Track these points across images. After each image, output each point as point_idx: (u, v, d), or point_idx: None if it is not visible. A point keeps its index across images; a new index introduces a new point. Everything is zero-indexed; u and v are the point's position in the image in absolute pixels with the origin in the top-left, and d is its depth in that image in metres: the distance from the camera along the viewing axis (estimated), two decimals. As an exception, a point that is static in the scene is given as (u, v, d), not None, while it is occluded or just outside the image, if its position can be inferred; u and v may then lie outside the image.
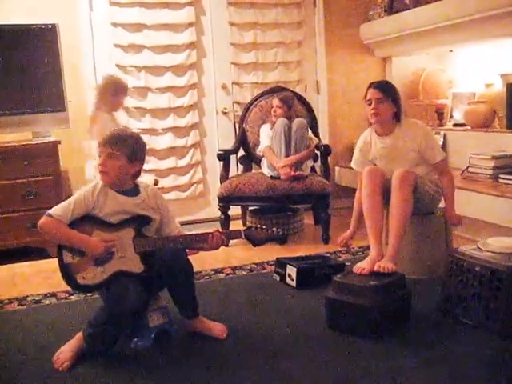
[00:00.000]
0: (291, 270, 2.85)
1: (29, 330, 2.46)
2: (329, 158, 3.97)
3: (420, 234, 2.86)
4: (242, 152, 4.25)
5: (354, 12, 4.77)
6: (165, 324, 2.28)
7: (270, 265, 3.21)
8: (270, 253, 3.36)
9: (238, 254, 3.55)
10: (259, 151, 3.96)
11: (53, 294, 2.92)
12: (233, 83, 4.52)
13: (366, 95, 2.82)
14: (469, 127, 3.99)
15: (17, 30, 3.66)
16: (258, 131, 4.04)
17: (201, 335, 2.27)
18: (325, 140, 4.46)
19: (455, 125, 4.21)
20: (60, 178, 3.72)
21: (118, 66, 4.20)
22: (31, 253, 3.65)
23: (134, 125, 4.20)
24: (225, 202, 3.71)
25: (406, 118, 2.90)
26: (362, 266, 2.42)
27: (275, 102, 3.93)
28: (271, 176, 3.72)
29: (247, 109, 4.27)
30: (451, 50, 4.52)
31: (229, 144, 4.27)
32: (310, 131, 3.88)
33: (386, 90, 2.80)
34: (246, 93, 4.52)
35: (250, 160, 4.24)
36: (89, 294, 2.75)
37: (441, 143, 4.08)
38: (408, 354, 2.05)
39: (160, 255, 2.19)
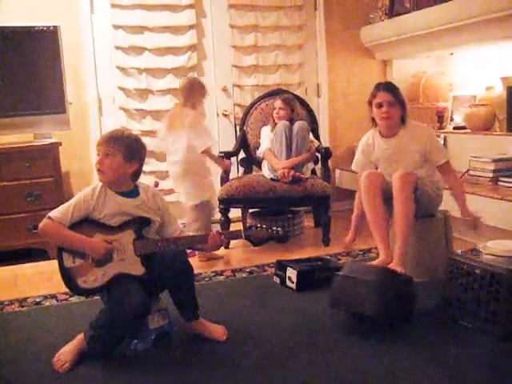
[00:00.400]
0: (291, 273, 2.85)
1: (29, 332, 2.46)
2: (329, 161, 3.97)
3: (420, 237, 2.86)
4: (242, 154, 4.25)
5: (355, 15, 4.77)
6: (165, 326, 2.28)
7: (270, 267, 3.21)
8: (270, 255, 3.36)
9: (238, 257, 3.55)
10: (259, 153, 3.96)
11: (53, 296, 2.92)
12: (233, 85, 4.53)
13: (373, 97, 2.79)
14: (469, 130, 3.99)
15: (18, 32, 3.66)
16: (259, 133, 4.04)
17: (201, 337, 2.27)
18: (325, 143, 4.46)
19: (455, 128, 4.20)
20: (61, 179, 3.72)
21: (118, 67, 4.20)
22: (33, 254, 3.65)
23: (135, 127, 4.21)
24: (225, 204, 3.71)
25: (409, 120, 2.90)
26: None
27: (278, 103, 3.91)
28: (271, 178, 3.71)
29: (248, 111, 4.28)
30: (452, 53, 4.52)
31: (229, 146, 4.27)
32: (310, 134, 3.89)
33: (396, 92, 2.79)
34: (247, 95, 4.53)
35: (251, 162, 4.23)
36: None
37: (441, 146, 4.08)
38: (408, 356, 2.05)
39: (160, 257, 2.19)
